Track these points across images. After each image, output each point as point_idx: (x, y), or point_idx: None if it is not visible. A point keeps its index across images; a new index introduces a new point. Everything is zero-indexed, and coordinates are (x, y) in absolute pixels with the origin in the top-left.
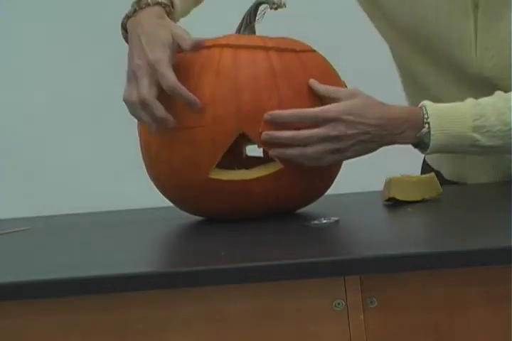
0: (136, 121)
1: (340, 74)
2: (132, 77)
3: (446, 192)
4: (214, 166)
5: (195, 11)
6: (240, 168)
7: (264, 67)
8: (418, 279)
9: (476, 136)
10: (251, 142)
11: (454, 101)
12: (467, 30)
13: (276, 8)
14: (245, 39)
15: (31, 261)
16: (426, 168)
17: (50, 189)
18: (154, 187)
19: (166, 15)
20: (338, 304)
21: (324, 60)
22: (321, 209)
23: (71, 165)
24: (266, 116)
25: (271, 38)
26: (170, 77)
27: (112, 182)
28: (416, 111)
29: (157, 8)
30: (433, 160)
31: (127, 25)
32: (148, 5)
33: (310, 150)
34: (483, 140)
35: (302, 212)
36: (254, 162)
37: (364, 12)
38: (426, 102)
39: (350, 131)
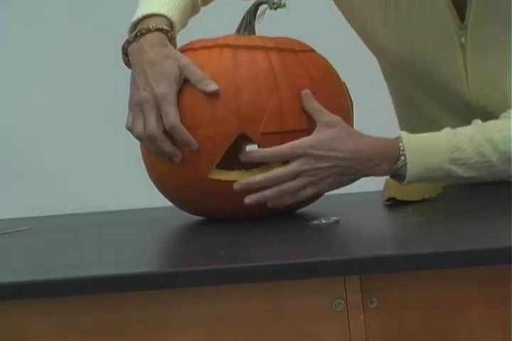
0: None
1: (340, 74)
2: (137, 109)
3: (446, 192)
4: (214, 167)
5: None
6: (239, 168)
7: (264, 67)
8: (418, 279)
9: (453, 167)
10: (251, 142)
11: (449, 125)
12: (457, 63)
13: (276, 8)
14: (245, 39)
15: (31, 261)
16: None
17: (50, 189)
18: (154, 187)
19: (168, 42)
20: (338, 304)
21: (324, 60)
22: (321, 209)
23: (71, 165)
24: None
25: (271, 38)
26: (172, 117)
27: (112, 182)
28: (392, 143)
29: (158, 34)
30: None
31: (129, 51)
32: (149, 31)
33: (285, 186)
34: (460, 171)
35: (302, 212)
36: (254, 163)
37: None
38: (402, 133)
39: (320, 165)
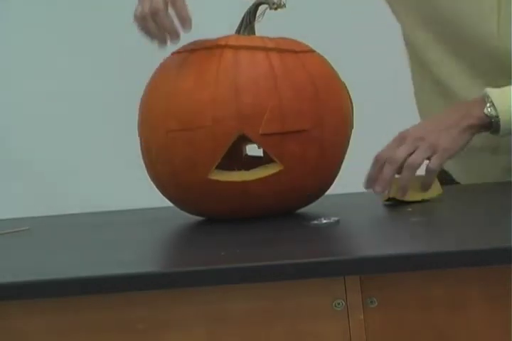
0: (136, 121)
1: (340, 74)
2: None
3: (446, 192)
4: (214, 167)
5: (195, 11)
6: (239, 168)
7: (264, 67)
8: (418, 279)
9: None
10: (251, 142)
11: (466, 92)
12: (489, 1)
13: (276, 9)
14: (245, 40)
15: (31, 261)
16: None
17: (50, 189)
18: (154, 187)
19: None
20: (338, 304)
21: (324, 60)
22: (321, 209)
23: (71, 165)
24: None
25: (271, 39)
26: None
27: (112, 182)
28: (476, 98)
29: None
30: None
31: None
32: None
33: (412, 156)
34: None
35: (302, 212)
36: (254, 162)
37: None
38: (488, 90)
39: (420, 131)
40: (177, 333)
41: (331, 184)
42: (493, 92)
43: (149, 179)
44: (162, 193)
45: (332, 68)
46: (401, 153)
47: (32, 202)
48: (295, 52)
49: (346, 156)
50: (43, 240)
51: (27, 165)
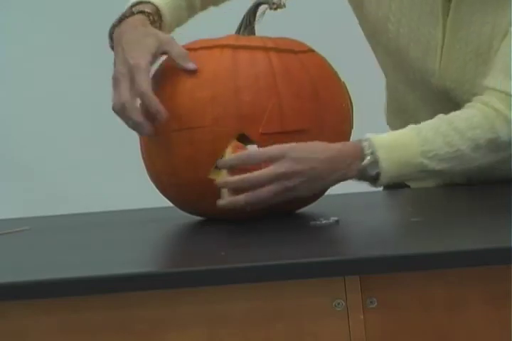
0: None
1: (340, 74)
2: (115, 83)
3: (446, 192)
4: (213, 167)
5: None
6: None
7: (263, 67)
8: (418, 279)
9: (425, 161)
10: (251, 142)
11: (425, 118)
12: (435, 38)
13: (275, 9)
14: (245, 40)
15: (31, 261)
16: None
17: (50, 189)
18: (154, 187)
19: (149, 24)
20: (338, 304)
21: (324, 60)
22: (321, 209)
23: (71, 165)
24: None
25: (270, 39)
26: (142, 84)
27: (112, 182)
28: (355, 144)
29: (140, 16)
30: None
31: (113, 36)
32: (132, 14)
33: (264, 191)
34: (432, 165)
35: (302, 212)
36: None
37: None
38: (369, 135)
39: (297, 167)
40: (177, 333)
41: None
42: (375, 141)
43: (149, 179)
44: (162, 193)
45: (332, 68)
46: (262, 177)
47: (32, 202)
48: (295, 52)
49: None
50: (43, 240)
51: (27, 165)
